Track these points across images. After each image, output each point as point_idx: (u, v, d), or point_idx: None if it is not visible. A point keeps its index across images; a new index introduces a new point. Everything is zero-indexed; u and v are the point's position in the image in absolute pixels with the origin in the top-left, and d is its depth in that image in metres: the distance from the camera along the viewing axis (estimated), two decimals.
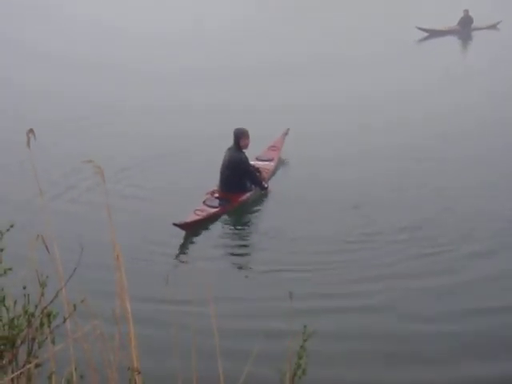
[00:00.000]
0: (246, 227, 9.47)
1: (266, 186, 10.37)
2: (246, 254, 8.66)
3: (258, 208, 10.07)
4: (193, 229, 8.93)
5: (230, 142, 10.30)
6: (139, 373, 3.02)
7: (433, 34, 29.27)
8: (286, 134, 12.50)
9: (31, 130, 3.13)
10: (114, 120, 15.10)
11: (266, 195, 10.35)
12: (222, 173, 10.09)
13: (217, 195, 9.93)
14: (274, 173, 11.30)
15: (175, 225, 8.64)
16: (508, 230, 8.96)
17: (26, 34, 28.43)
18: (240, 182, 10.11)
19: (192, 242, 8.85)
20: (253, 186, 10.27)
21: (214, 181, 10.23)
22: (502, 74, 19.77)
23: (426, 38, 28.65)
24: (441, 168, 11.56)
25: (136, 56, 23.43)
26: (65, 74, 20.56)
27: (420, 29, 28.85)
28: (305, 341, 3.00)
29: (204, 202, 9.62)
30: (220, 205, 9.65)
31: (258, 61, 21.90)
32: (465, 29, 29.88)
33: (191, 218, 9.04)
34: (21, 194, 9.86)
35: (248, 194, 10.18)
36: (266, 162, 11.34)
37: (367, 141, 13.18)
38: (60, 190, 10.32)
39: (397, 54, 23.59)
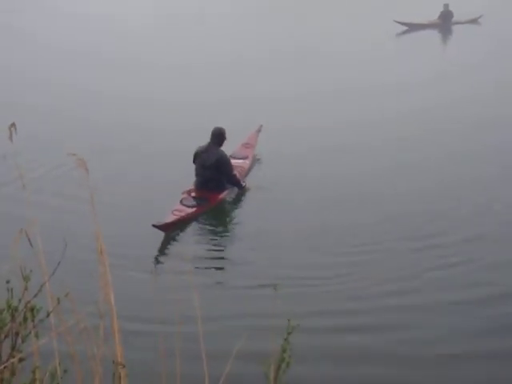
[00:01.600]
0: (225, 226, 9.46)
1: (243, 184, 10.35)
2: (227, 253, 8.63)
3: (236, 207, 10.07)
4: (172, 229, 8.86)
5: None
6: (123, 366, 3.02)
7: (412, 27, 29.27)
8: (259, 130, 12.40)
9: (13, 124, 3.12)
10: (96, 110, 15.12)
11: (243, 194, 10.32)
12: (201, 171, 10.00)
13: (194, 194, 9.86)
14: (249, 171, 11.24)
15: (154, 226, 8.56)
16: None
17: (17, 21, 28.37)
18: (219, 181, 10.06)
19: (173, 240, 8.82)
20: (228, 186, 10.23)
21: (183, 174, 10.26)
22: (485, 68, 19.86)
23: (404, 32, 28.67)
24: (423, 163, 11.62)
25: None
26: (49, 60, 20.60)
27: (398, 22, 28.79)
28: (289, 334, 3.01)
29: (181, 202, 9.53)
30: (198, 204, 9.59)
31: (225, 56, 21.91)
32: (445, 23, 29.96)
33: (170, 218, 8.94)
34: (4, 186, 9.82)
35: (225, 193, 10.16)
36: (241, 161, 11.25)
37: (342, 135, 13.24)
38: (43, 183, 10.27)
39: (374, 49, 23.63)
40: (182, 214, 9.18)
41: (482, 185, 10.53)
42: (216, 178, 9.99)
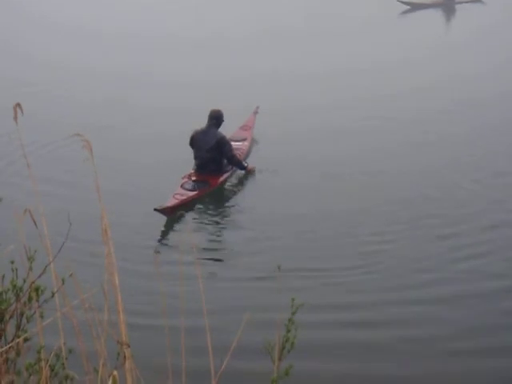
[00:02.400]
0: (226, 211, 9.44)
1: (245, 164, 10.31)
2: (230, 235, 8.64)
3: (237, 190, 10.06)
4: (174, 213, 8.84)
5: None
6: (128, 346, 3.03)
7: (415, 7, 29.13)
8: (256, 112, 12.40)
9: (18, 104, 3.10)
10: (93, 88, 15.12)
11: (247, 176, 10.28)
12: (201, 154, 9.95)
13: (194, 178, 9.82)
14: (248, 152, 11.21)
15: (156, 210, 8.57)
16: None
17: None
18: (219, 163, 10.02)
19: (175, 223, 8.83)
20: (230, 167, 10.22)
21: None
22: (487, 47, 19.75)
23: (407, 11, 28.52)
24: (417, 143, 11.50)
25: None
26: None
27: (401, 2, 28.68)
28: (293, 314, 3.02)
29: (182, 186, 9.52)
30: (199, 187, 9.58)
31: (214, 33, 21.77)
32: (449, 1, 29.79)
33: (171, 202, 8.95)
34: (8, 167, 9.83)
35: (225, 175, 10.15)
36: (240, 143, 11.23)
37: (341, 116, 13.10)
38: (47, 163, 10.27)
39: (375, 28, 23.49)
40: (184, 197, 9.19)
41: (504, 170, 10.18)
42: (216, 160, 9.96)
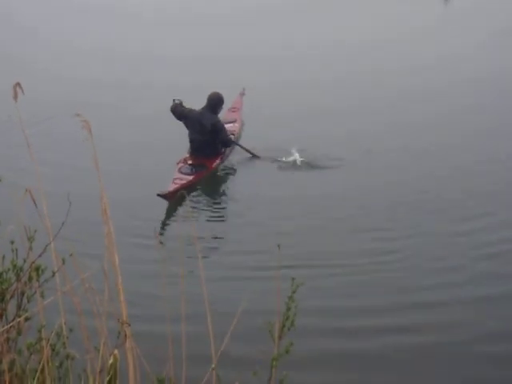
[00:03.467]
0: (224, 193, 9.55)
1: (237, 143, 10.30)
2: (229, 216, 8.70)
3: (233, 172, 10.07)
4: (175, 197, 8.80)
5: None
6: (129, 325, 3.04)
7: None
8: (242, 94, 12.34)
9: (18, 84, 3.09)
10: (100, 68, 15.07)
11: (251, 158, 10.20)
12: (196, 137, 9.88)
13: (191, 162, 9.80)
14: (239, 134, 11.17)
15: (159, 195, 8.58)
16: None
17: None
18: (215, 147, 9.99)
19: (176, 204, 8.84)
20: (223, 150, 10.18)
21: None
22: (487, 23, 19.46)
23: None
24: (409, 124, 11.38)
25: None
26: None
27: None
28: (293, 292, 3.02)
29: (179, 171, 9.53)
30: (196, 171, 9.58)
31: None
32: None
33: (172, 187, 8.94)
34: (8, 148, 9.82)
35: (221, 158, 10.14)
36: (230, 124, 11.18)
37: (328, 93, 13.00)
38: (47, 144, 10.25)
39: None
40: (183, 181, 9.21)
41: None
42: (212, 144, 9.92)
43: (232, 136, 10.37)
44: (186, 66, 14.88)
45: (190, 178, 9.40)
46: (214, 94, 10.01)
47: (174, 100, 10.02)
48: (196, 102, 10.01)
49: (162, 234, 7.98)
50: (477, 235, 7.62)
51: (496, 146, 10.25)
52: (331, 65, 15.29)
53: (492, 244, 7.40)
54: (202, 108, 9.98)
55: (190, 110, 9.99)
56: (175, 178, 9.26)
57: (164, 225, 8.32)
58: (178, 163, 9.73)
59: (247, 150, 10.19)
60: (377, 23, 19.21)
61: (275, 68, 14.88)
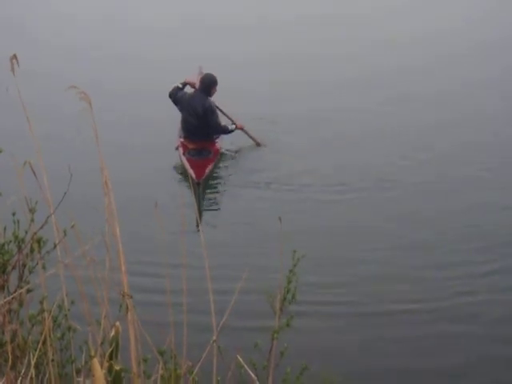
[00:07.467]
0: (228, 176, 9.43)
1: (233, 127, 9.90)
2: (230, 198, 8.74)
3: (233, 158, 9.94)
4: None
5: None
6: (131, 297, 3.05)
7: None
8: (200, 73, 10.71)
9: (14, 56, 3.06)
10: (102, 44, 14.97)
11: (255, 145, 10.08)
12: (191, 120, 9.57)
13: (192, 146, 9.53)
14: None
15: (199, 184, 8.41)
16: None
17: None
18: (210, 130, 9.69)
19: (180, 175, 8.84)
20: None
21: None
22: None
23: None
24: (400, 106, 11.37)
25: None
26: None
27: None
28: (294, 266, 3.03)
29: (188, 155, 9.31)
30: (205, 156, 9.40)
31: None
32: None
33: (200, 172, 8.79)
34: (8, 121, 9.78)
35: (219, 141, 9.91)
36: None
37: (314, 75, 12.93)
38: (47, 118, 10.20)
39: None
40: (206, 168, 9.03)
41: None
42: (205, 127, 9.61)
43: (233, 126, 9.90)
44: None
45: (204, 161, 9.22)
46: (207, 75, 9.71)
47: (177, 86, 9.77)
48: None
49: (163, 207, 7.95)
50: None
51: None
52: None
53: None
54: (195, 91, 9.71)
55: (183, 94, 9.73)
56: (190, 162, 9.07)
57: (164, 195, 8.27)
58: (176, 148, 9.53)
59: (251, 137, 10.03)
60: None
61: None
